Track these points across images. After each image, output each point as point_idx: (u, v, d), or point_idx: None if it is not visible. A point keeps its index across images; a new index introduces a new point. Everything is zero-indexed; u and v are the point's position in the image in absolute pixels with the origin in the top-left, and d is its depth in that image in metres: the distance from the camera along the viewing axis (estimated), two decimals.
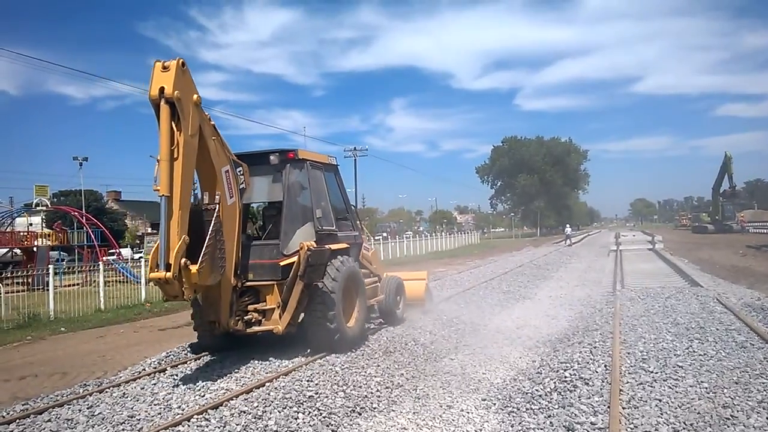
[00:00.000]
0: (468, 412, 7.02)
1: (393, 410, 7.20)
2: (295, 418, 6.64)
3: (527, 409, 6.72)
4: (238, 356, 9.57)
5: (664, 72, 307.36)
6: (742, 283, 17.96)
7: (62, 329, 14.36)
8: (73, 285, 22.07)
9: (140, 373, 8.95)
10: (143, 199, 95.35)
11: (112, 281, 23.44)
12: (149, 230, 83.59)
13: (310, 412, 6.84)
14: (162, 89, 7.72)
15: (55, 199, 67.04)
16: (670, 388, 6.67)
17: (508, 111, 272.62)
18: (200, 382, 8.13)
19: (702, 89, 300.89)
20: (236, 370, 8.68)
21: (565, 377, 7.47)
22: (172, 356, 10.05)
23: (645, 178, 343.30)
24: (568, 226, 64.79)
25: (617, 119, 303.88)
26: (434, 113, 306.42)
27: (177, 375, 8.64)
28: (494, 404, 7.25)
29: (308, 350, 9.55)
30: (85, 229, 32.84)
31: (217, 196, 8.54)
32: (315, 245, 9.30)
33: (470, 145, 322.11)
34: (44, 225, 34.33)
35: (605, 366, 7.74)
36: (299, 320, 9.58)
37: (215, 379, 8.26)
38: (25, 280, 22.65)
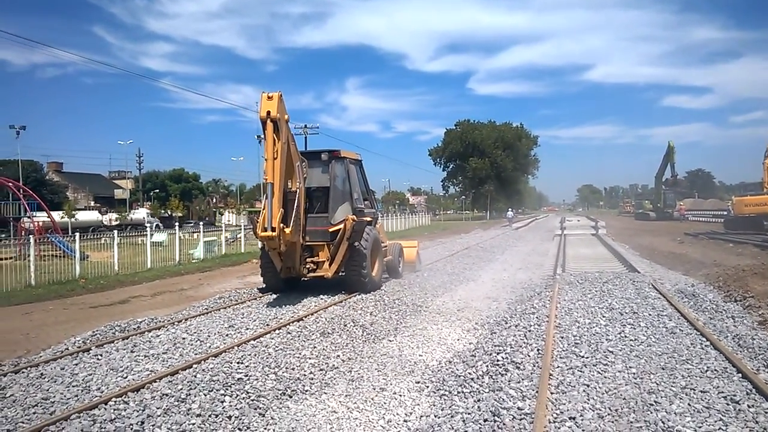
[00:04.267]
0: (400, 395, 6.96)
1: (325, 393, 7.09)
2: (221, 401, 6.43)
3: (458, 392, 6.67)
4: (171, 333, 9.27)
5: (613, 61, 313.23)
6: (678, 269, 18.46)
7: None
8: (7, 258, 21.12)
9: (63, 352, 8.52)
10: (86, 171, 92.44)
11: (49, 255, 22.55)
12: (92, 203, 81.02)
13: (237, 395, 6.65)
14: (269, 112, 11.46)
15: None
16: (599, 373, 6.71)
17: (462, 94, 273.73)
18: (125, 362, 7.81)
19: (649, 79, 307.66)
20: (164, 351, 8.36)
21: (498, 360, 7.45)
22: (98, 335, 9.62)
23: (592, 164, 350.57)
24: (510, 210, 66.85)
25: (567, 106, 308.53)
26: (388, 94, 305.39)
27: (101, 355, 8.26)
28: (427, 387, 7.21)
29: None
30: (20, 201, 31.30)
31: (297, 183, 12.41)
32: (356, 218, 13.20)
33: (424, 127, 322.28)
34: None
35: (538, 350, 7.75)
36: (342, 270, 13.38)
37: (141, 360, 7.94)
38: None
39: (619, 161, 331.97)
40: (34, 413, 6.05)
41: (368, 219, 14.29)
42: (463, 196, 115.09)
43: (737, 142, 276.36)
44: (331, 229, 13.35)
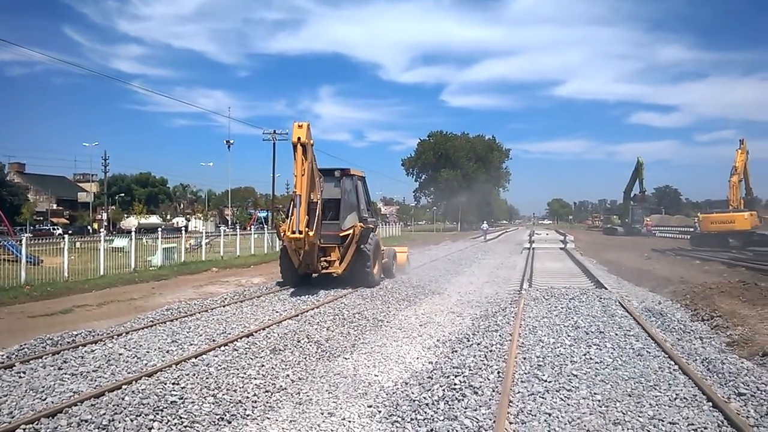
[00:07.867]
0: (350, 421, 6.42)
1: (268, 417, 6.51)
2: (149, 428, 5.81)
3: (411, 419, 6.15)
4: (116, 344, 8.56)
5: (584, 78, 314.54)
6: (645, 285, 18.29)
7: None
8: None
9: None
10: (50, 173, 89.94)
11: (0, 260, 21.44)
12: (54, 206, 78.86)
13: (168, 421, 6.03)
14: (299, 138, 13.85)
15: None
16: (562, 400, 6.24)
17: (436, 106, 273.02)
18: (48, 381, 7.09)
19: (618, 96, 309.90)
20: (95, 369, 7.66)
21: (455, 384, 6.94)
22: (26, 349, 8.86)
23: (563, 179, 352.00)
24: (485, 222, 66.49)
25: (538, 121, 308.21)
26: (362, 103, 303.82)
27: (24, 372, 7.52)
28: (380, 412, 6.68)
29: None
30: None
31: (318, 195, 14.86)
32: (363, 225, 15.85)
33: (397, 137, 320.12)
34: None
35: (498, 373, 7.26)
36: (349, 268, 15.89)
37: (67, 379, 7.22)
38: None
39: (588, 176, 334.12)
40: None
41: (371, 227, 17.10)
42: (435, 207, 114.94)
43: (704, 161, 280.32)
44: (341, 234, 15.87)
